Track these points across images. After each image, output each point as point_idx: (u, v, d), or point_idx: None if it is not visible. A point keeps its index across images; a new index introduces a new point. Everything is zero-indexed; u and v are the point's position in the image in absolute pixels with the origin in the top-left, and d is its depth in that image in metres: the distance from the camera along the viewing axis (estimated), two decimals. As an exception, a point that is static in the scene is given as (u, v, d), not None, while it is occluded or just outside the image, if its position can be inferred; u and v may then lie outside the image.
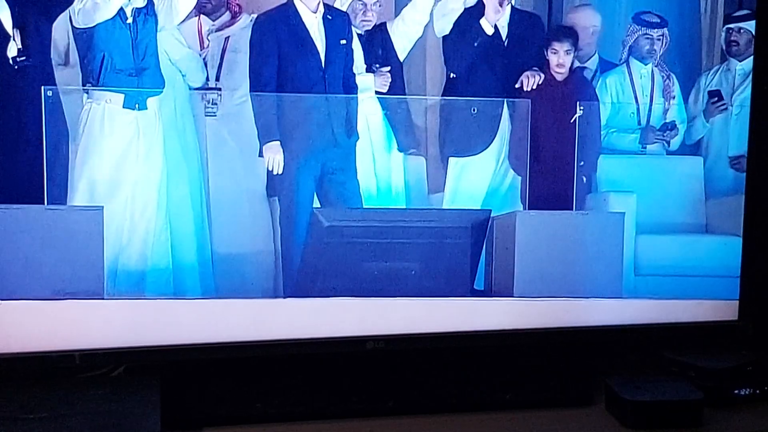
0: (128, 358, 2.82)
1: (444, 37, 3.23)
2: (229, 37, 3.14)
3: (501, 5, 3.22)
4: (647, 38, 3.38)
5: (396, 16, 3.23)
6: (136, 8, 2.95)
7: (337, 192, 3.13)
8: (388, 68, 3.21)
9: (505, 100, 3.24)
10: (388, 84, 3.20)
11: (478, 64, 3.23)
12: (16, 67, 2.78)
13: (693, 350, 3.07)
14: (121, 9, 2.93)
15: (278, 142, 3.06)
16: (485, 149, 3.28)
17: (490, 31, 3.23)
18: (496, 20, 3.22)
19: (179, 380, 2.80)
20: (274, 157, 3.06)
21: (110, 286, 2.84)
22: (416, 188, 3.30)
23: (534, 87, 3.22)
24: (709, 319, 3.18)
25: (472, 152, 3.28)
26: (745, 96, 3.27)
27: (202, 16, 3.12)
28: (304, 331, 2.91)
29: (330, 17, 3.09)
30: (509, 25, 3.26)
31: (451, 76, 3.24)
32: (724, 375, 2.94)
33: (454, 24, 3.21)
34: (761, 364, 3.01)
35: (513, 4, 3.28)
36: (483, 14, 3.22)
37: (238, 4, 3.13)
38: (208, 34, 3.12)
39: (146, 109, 2.99)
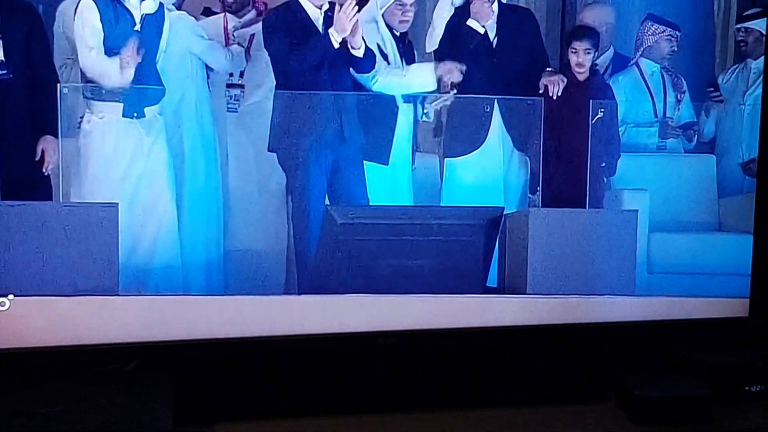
0: (141, 353, 2.82)
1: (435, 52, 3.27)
2: (254, 34, 3.16)
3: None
4: (664, 37, 3.38)
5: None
6: (147, 14, 2.95)
7: (347, 189, 3.15)
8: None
9: (496, 99, 3.25)
10: None
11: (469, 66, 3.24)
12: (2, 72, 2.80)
13: (704, 347, 3.07)
14: (131, 16, 2.93)
15: None
16: (476, 149, 3.30)
17: (481, 29, 3.24)
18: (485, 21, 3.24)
19: (191, 375, 2.81)
20: None
21: (125, 283, 2.84)
22: (430, 186, 3.33)
23: (560, 93, 3.24)
24: (720, 316, 3.18)
25: (463, 152, 3.31)
26: (757, 94, 3.25)
27: (227, 13, 3.18)
28: (317, 328, 2.92)
29: (330, 14, 3.08)
30: (498, 21, 3.27)
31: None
32: (735, 371, 2.93)
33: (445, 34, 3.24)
34: (772, 360, 3.01)
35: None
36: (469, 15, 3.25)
37: (263, 2, 3.16)
38: (234, 31, 3.16)
39: (144, 117, 3.00)
